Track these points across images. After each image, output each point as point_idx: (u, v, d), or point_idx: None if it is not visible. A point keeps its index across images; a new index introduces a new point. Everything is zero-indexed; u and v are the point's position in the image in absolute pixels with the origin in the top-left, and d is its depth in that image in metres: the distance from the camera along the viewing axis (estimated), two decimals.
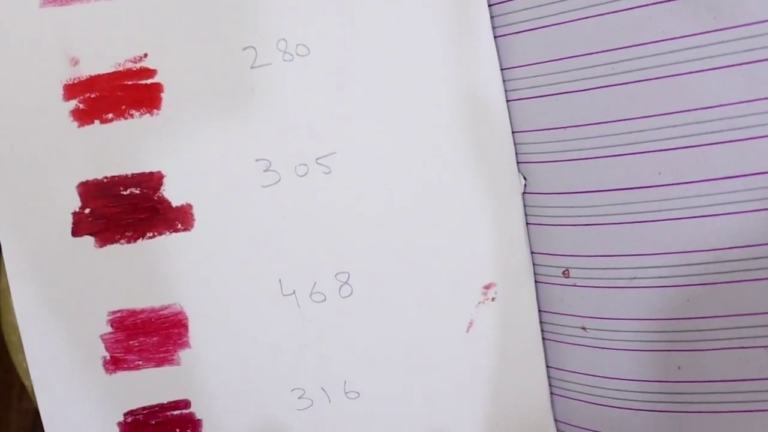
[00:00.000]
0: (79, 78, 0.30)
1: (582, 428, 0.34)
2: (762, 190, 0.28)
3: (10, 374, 0.43)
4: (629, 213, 0.30)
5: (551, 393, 0.35)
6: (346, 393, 0.33)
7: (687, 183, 0.29)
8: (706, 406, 0.31)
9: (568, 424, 0.35)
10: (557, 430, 0.35)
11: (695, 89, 0.28)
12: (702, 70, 0.28)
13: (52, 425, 0.32)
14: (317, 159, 0.31)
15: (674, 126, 0.29)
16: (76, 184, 0.31)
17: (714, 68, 0.27)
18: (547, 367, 0.35)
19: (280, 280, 0.32)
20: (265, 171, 0.31)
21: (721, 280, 0.29)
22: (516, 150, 0.33)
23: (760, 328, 0.29)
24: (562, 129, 0.31)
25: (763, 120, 0.27)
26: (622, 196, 0.30)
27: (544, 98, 0.31)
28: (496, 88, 0.32)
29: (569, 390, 0.34)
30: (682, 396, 0.31)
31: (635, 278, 0.31)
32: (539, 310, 0.34)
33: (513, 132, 0.33)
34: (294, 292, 0.32)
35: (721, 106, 0.28)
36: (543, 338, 0.34)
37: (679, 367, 0.31)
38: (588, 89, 0.30)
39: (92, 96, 0.30)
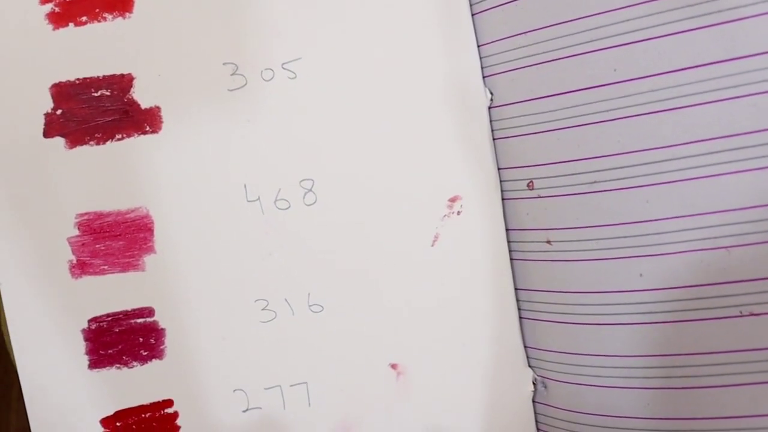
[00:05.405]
0: None
1: (550, 351, 0.34)
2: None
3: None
4: (588, 114, 0.30)
5: (520, 317, 0.35)
6: (309, 306, 0.33)
7: (644, 77, 0.29)
8: (671, 315, 0.30)
9: (537, 348, 0.34)
10: (526, 355, 0.35)
11: None
12: None
13: (16, 327, 0.32)
14: (283, 64, 0.32)
15: (630, 20, 0.29)
16: (50, 85, 0.32)
17: None
18: (515, 289, 0.34)
19: (245, 186, 0.32)
20: (231, 75, 0.32)
21: (679, 177, 0.29)
22: (481, 64, 0.33)
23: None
24: (523, 34, 0.31)
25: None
26: (581, 96, 0.30)
27: (506, 6, 0.32)
28: (462, 2, 0.32)
29: (537, 311, 0.34)
30: (650, 305, 0.30)
31: (595, 182, 0.31)
32: (505, 229, 0.34)
33: (478, 46, 0.33)
34: (258, 198, 0.32)
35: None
36: (510, 258, 0.34)
37: (641, 275, 0.30)
38: None
39: (67, 0, 0.31)
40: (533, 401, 0.35)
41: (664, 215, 0.29)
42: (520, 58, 0.32)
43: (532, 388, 0.34)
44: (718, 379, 0.30)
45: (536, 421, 0.35)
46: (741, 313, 0.29)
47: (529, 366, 0.35)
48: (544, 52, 0.31)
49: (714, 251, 0.29)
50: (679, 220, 0.29)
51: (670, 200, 0.29)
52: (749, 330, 0.29)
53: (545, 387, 0.34)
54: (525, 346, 0.35)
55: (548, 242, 0.32)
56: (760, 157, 0.28)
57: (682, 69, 0.28)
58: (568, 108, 0.31)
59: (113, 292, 0.33)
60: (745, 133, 0.28)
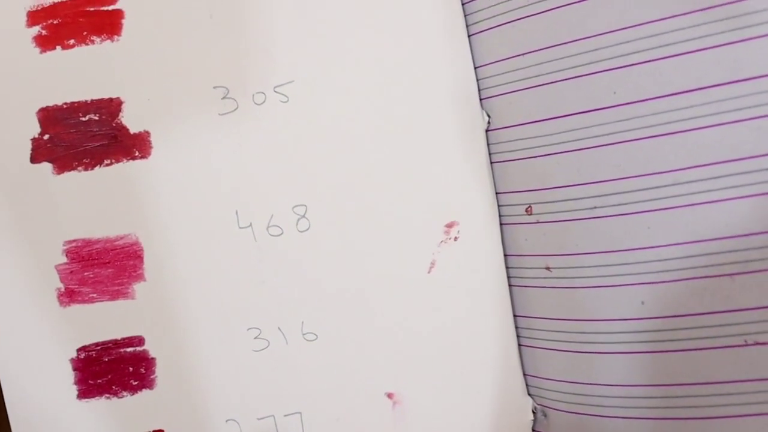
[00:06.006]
0: (42, 5, 0.31)
1: (550, 379, 0.33)
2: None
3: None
4: (587, 138, 0.30)
5: (519, 344, 0.34)
6: (303, 334, 0.32)
7: (643, 101, 0.28)
8: (673, 344, 0.29)
9: (537, 376, 0.34)
10: (526, 384, 0.34)
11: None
12: None
13: (3, 356, 0.32)
14: (275, 87, 0.31)
15: (629, 41, 0.28)
16: (37, 109, 0.31)
17: None
18: (514, 316, 0.34)
19: (236, 212, 0.32)
20: (222, 98, 0.31)
21: (681, 203, 0.28)
22: (478, 86, 0.32)
23: None
24: (521, 56, 0.31)
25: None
26: (580, 120, 0.30)
27: (503, 26, 0.31)
28: (458, 21, 0.32)
29: (536, 339, 0.33)
30: (652, 334, 0.30)
31: (595, 207, 0.30)
32: (504, 255, 0.33)
33: (475, 68, 0.32)
34: (251, 224, 0.32)
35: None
36: (509, 285, 0.33)
37: (642, 302, 0.30)
38: (544, 11, 0.30)
39: (55, 22, 0.31)
40: (533, 430, 0.34)
41: (666, 242, 0.29)
42: (517, 81, 0.31)
43: (531, 416, 0.34)
44: (723, 410, 0.29)
45: None
46: (746, 342, 0.28)
47: (529, 394, 0.34)
48: (541, 75, 0.30)
49: (717, 278, 0.28)
50: (682, 246, 0.28)
51: (672, 226, 0.28)
52: (754, 359, 0.28)
53: (545, 416, 0.33)
54: (524, 374, 0.34)
55: (547, 268, 0.32)
56: (764, 182, 0.27)
57: (684, 92, 0.28)
58: (566, 132, 0.30)
59: (102, 321, 0.32)
60: (749, 158, 0.27)
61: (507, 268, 0.33)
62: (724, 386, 0.29)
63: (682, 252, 0.29)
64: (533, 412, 0.34)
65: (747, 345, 0.28)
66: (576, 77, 0.29)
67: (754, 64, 0.27)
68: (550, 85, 0.30)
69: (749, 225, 0.27)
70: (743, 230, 0.27)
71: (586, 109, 0.29)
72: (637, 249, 0.29)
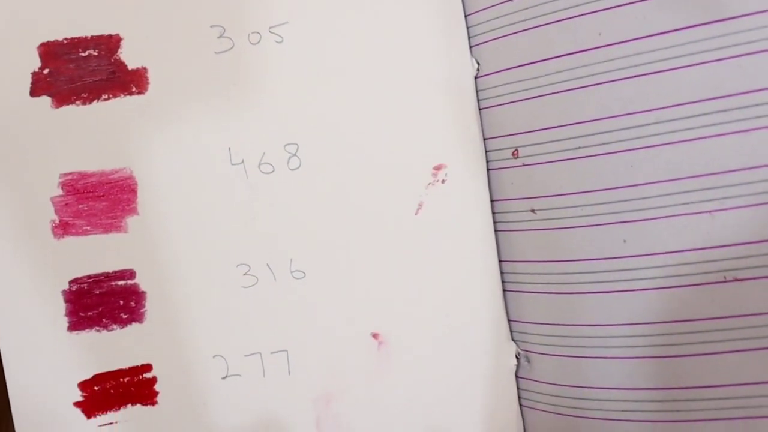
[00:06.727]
0: None
1: (533, 323, 0.33)
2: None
3: None
4: (573, 79, 0.30)
5: (504, 289, 0.34)
6: (291, 272, 0.33)
7: (628, 41, 0.29)
8: (655, 281, 0.30)
9: (520, 321, 0.34)
10: (510, 329, 0.34)
11: None
12: None
13: None
14: (270, 28, 0.32)
15: None
16: (38, 44, 0.32)
17: None
18: (500, 261, 0.34)
19: (229, 149, 0.32)
20: (218, 37, 0.32)
21: (662, 141, 0.29)
22: (468, 33, 0.33)
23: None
24: (509, 2, 0.31)
25: None
26: (566, 61, 0.30)
27: None
28: None
29: (520, 283, 0.34)
30: (633, 272, 0.30)
31: (579, 148, 0.30)
32: (491, 201, 0.34)
33: (466, 16, 0.33)
34: (243, 161, 0.32)
35: None
36: (495, 230, 0.34)
37: (624, 241, 0.30)
38: None
39: None
40: (516, 377, 0.34)
41: (648, 179, 0.29)
42: (505, 26, 0.32)
43: (515, 362, 0.34)
44: (702, 347, 0.29)
45: (519, 397, 0.34)
46: (725, 278, 0.28)
47: (513, 340, 0.34)
48: (528, 19, 0.31)
49: (697, 215, 0.29)
50: (663, 184, 0.29)
51: (653, 164, 0.29)
52: (733, 296, 0.28)
53: (528, 361, 0.34)
54: (509, 320, 0.34)
55: (532, 211, 0.32)
56: (744, 119, 0.28)
57: (666, 32, 0.28)
58: (552, 74, 0.31)
59: (95, 254, 0.33)
60: (729, 95, 0.28)
61: (493, 213, 0.34)
62: (705, 323, 0.29)
63: (662, 189, 0.29)
64: (516, 357, 0.34)
65: (726, 281, 0.28)
66: (562, 20, 0.30)
67: (735, 2, 0.27)
68: (536, 28, 0.31)
69: (729, 162, 0.28)
70: (723, 167, 0.28)
71: (572, 51, 0.30)
72: (619, 188, 0.30)
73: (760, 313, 0.28)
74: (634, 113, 0.29)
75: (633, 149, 0.29)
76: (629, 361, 0.31)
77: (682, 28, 0.28)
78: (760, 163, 0.28)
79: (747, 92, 0.27)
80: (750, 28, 0.27)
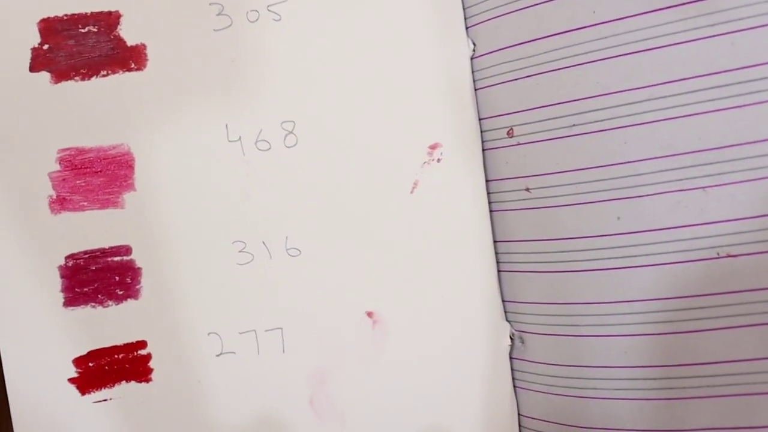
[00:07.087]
0: None
1: (528, 303, 0.33)
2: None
3: None
4: (567, 57, 0.30)
5: (498, 270, 0.34)
6: (287, 250, 0.33)
7: (622, 19, 0.29)
8: (649, 258, 0.30)
9: (514, 301, 0.34)
10: (504, 310, 0.34)
11: None
12: None
13: None
14: (269, 6, 0.32)
15: None
16: (38, 20, 0.32)
17: None
18: (495, 242, 0.34)
19: (226, 125, 0.33)
20: (217, 15, 0.32)
21: (656, 117, 0.29)
22: (465, 14, 0.33)
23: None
24: None
25: None
26: (560, 40, 0.30)
27: None
28: None
29: (515, 262, 0.34)
30: (627, 249, 0.30)
31: (574, 125, 0.31)
32: (486, 181, 0.34)
33: None
34: (240, 138, 0.33)
35: None
36: (489, 210, 0.34)
37: (618, 218, 0.30)
38: None
39: None
40: (510, 357, 0.34)
41: (642, 156, 0.29)
42: (500, 6, 0.32)
43: (509, 342, 0.34)
44: (696, 324, 0.29)
45: (513, 378, 0.34)
46: (718, 254, 0.28)
47: (507, 321, 0.34)
48: None
49: (691, 191, 0.29)
50: (657, 160, 0.29)
51: (647, 141, 0.29)
52: (726, 272, 0.28)
53: (522, 341, 0.34)
54: (503, 300, 0.34)
55: (527, 190, 0.32)
56: (737, 95, 0.28)
57: (660, 9, 0.29)
58: (547, 52, 0.31)
59: (91, 229, 0.33)
60: (722, 72, 0.28)
61: (488, 193, 0.34)
62: (699, 300, 0.29)
63: (656, 166, 0.29)
64: (510, 337, 0.34)
65: (719, 258, 0.28)
66: None
67: None
68: (531, 8, 0.31)
69: (722, 138, 0.28)
70: (716, 143, 0.28)
71: (567, 29, 0.30)
72: (613, 164, 0.30)
73: (754, 289, 0.28)
74: (628, 90, 0.29)
75: (627, 126, 0.30)
76: (624, 339, 0.31)
77: (675, 6, 0.28)
78: (754, 138, 0.28)
79: (740, 68, 0.28)
80: (742, 4, 0.27)
